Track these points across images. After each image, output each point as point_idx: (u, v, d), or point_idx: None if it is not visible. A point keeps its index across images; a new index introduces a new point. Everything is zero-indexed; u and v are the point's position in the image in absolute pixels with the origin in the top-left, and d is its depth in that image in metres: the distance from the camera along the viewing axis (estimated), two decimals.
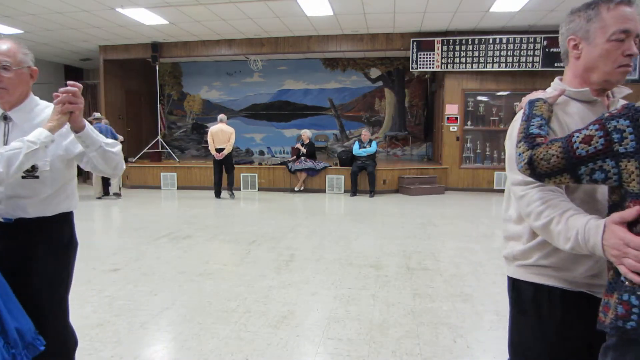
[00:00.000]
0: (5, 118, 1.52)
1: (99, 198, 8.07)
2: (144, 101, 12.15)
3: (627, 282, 0.95)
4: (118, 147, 1.62)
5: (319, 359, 2.35)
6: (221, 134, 8.00)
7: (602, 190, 1.15)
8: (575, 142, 0.99)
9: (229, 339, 2.54)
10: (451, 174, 9.16)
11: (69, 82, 1.42)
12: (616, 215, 0.97)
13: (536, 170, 1.05)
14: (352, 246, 4.68)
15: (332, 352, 2.40)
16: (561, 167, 1.01)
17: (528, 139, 1.08)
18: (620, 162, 0.94)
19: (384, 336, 2.59)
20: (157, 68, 10.42)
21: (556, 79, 1.32)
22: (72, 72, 11.99)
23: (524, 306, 1.27)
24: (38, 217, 1.58)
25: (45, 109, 1.60)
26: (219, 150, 7.91)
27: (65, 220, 1.74)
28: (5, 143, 1.47)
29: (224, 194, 8.26)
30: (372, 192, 8.37)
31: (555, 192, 1.13)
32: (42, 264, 1.62)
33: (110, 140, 1.59)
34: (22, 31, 8.37)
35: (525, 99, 1.25)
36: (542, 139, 1.07)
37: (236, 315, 2.88)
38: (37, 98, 1.62)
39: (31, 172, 1.51)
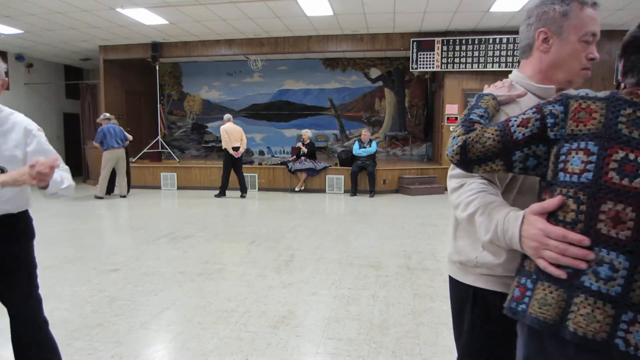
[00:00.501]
0: None
1: (100, 198, 8.07)
2: (144, 101, 12.15)
3: (526, 267, 0.94)
4: (68, 185, 1.73)
5: (319, 359, 2.35)
6: (235, 133, 8.06)
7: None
8: (513, 125, 0.96)
9: (229, 339, 2.54)
10: None
11: (41, 162, 1.46)
12: (536, 206, 0.93)
13: (467, 155, 0.99)
14: (352, 246, 4.68)
15: (332, 352, 2.40)
16: (496, 151, 0.97)
17: (466, 123, 1.04)
18: (551, 148, 0.93)
19: (384, 336, 2.59)
20: (157, 68, 10.43)
21: (516, 72, 1.25)
22: (72, 72, 12.00)
23: (488, 314, 1.19)
24: (4, 215, 1.69)
25: (10, 115, 1.68)
26: (235, 149, 7.96)
27: (27, 216, 1.84)
28: None
29: (231, 193, 8.27)
30: (372, 192, 8.37)
31: (490, 186, 1.09)
32: (17, 255, 1.77)
33: (66, 184, 1.71)
34: (22, 31, 8.37)
35: (486, 88, 1.21)
36: (480, 126, 1.03)
37: (236, 315, 2.88)
38: (0, 105, 1.71)
39: None
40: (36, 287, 1.88)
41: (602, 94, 0.91)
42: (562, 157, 0.90)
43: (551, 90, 1.17)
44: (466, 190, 1.09)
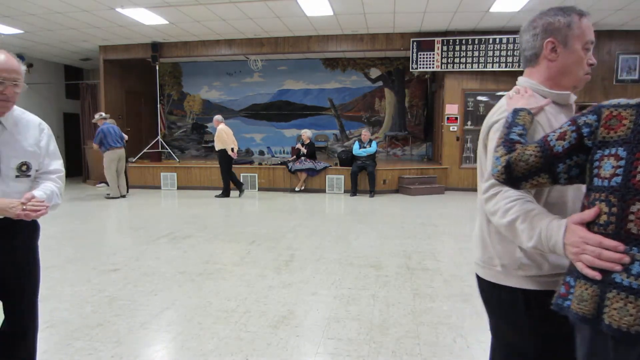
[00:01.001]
0: None
1: (115, 197, 8.08)
2: (144, 101, 12.15)
3: (571, 266, 1.02)
4: (52, 206, 1.75)
5: (319, 359, 2.35)
6: (231, 133, 8.14)
7: (571, 196, 1.19)
8: (552, 139, 1.02)
9: (229, 339, 2.54)
10: (451, 174, 9.16)
11: (35, 201, 1.59)
12: (576, 216, 1.01)
13: (513, 174, 1.05)
14: (352, 246, 4.68)
15: (332, 352, 2.40)
16: (539, 166, 1.02)
17: (507, 143, 1.09)
18: (589, 156, 0.99)
19: (384, 336, 2.59)
20: (157, 68, 10.43)
21: (525, 80, 1.31)
22: (72, 72, 12.00)
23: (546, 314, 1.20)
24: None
25: (22, 114, 1.78)
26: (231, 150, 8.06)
27: None
28: None
29: (229, 193, 8.28)
30: (372, 192, 8.37)
31: (525, 193, 1.14)
32: (26, 251, 1.82)
33: (53, 201, 1.75)
34: (22, 31, 8.37)
35: (511, 103, 1.23)
36: (520, 145, 1.08)
37: (236, 315, 2.88)
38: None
39: (25, 172, 1.71)
40: (38, 289, 1.89)
41: (634, 101, 0.96)
42: (596, 164, 0.97)
43: (566, 96, 1.26)
44: (503, 198, 1.14)
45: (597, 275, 0.94)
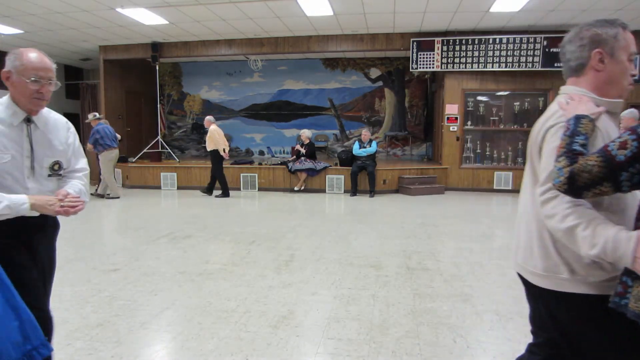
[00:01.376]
0: (29, 120, 1.72)
1: (116, 197, 8.10)
2: (144, 101, 12.15)
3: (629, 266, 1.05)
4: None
5: (319, 359, 2.35)
6: (222, 134, 8.14)
7: (632, 205, 1.20)
8: (613, 149, 1.05)
9: (229, 339, 2.54)
10: (451, 174, 9.16)
11: (70, 197, 1.67)
12: None
13: (575, 185, 1.07)
14: (352, 246, 4.68)
15: (332, 352, 2.40)
16: (602, 175, 1.04)
17: (569, 154, 1.11)
18: None
19: (384, 336, 2.59)
20: (157, 68, 10.43)
21: (574, 88, 1.32)
22: (72, 72, 12.00)
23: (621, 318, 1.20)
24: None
25: (49, 114, 1.82)
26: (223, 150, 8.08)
27: None
28: (31, 143, 1.69)
29: (228, 192, 8.29)
30: (372, 192, 8.37)
31: (584, 201, 1.15)
32: (50, 247, 1.87)
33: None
34: (22, 31, 8.37)
35: (571, 109, 1.23)
36: (581, 156, 1.10)
37: (236, 315, 2.88)
38: None
39: (57, 171, 1.77)
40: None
41: None
42: None
43: (619, 104, 1.31)
44: (562, 202, 1.15)
45: None
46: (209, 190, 8.38)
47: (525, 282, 1.41)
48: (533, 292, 1.38)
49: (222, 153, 8.00)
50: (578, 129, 1.15)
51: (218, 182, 8.31)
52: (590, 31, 1.29)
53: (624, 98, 1.31)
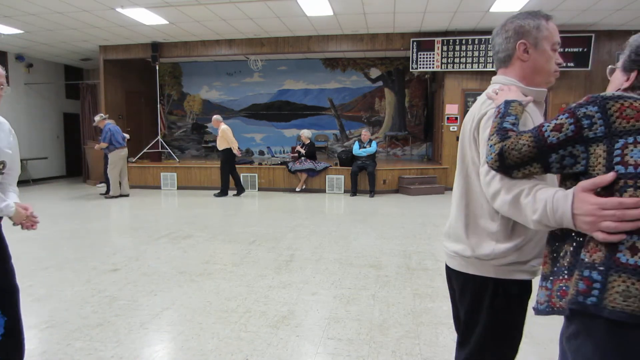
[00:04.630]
0: None
1: (114, 197, 8.09)
2: (144, 101, 12.15)
3: (585, 259, 0.97)
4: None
5: (319, 359, 2.35)
6: (231, 133, 8.16)
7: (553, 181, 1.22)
8: (546, 130, 1.03)
9: (229, 339, 2.54)
10: (451, 174, 9.15)
11: (33, 217, 1.88)
12: (586, 183, 0.97)
13: (506, 162, 1.07)
14: (352, 246, 4.68)
15: (332, 352, 2.40)
16: (532, 155, 1.04)
17: (500, 131, 1.12)
18: (589, 146, 0.99)
19: (384, 336, 2.59)
20: (157, 68, 10.43)
21: (504, 78, 1.39)
22: (72, 72, 12.00)
23: (508, 303, 1.33)
24: None
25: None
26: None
27: None
28: None
29: (227, 192, 8.29)
30: (372, 192, 8.37)
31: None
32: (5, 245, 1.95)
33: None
34: (22, 31, 8.37)
35: (501, 96, 1.27)
36: (514, 133, 1.10)
37: (236, 315, 2.88)
38: None
39: (1, 170, 1.85)
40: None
41: (635, 94, 1.02)
42: (618, 152, 0.96)
43: (543, 93, 1.37)
44: (504, 177, 1.16)
45: (622, 237, 0.90)
46: (238, 191, 8.36)
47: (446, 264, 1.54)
48: (447, 272, 1.51)
49: (235, 151, 8.03)
50: (509, 111, 1.18)
51: (233, 180, 8.33)
52: (514, 24, 1.34)
53: (550, 84, 1.38)
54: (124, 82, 11.16)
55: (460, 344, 1.47)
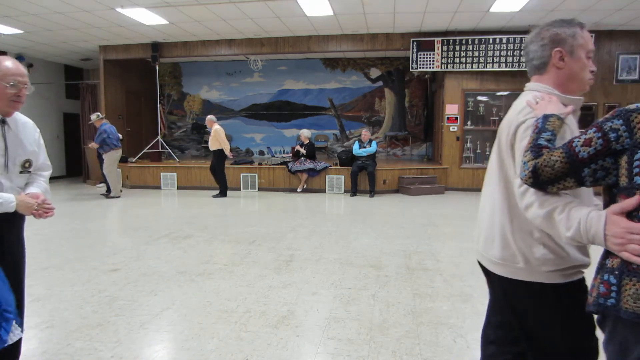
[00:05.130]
0: (3, 122, 1.84)
1: (117, 197, 8.11)
2: (144, 101, 12.15)
3: (607, 264, 1.05)
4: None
5: (319, 359, 2.35)
6: (224, 134, 8.12)
7: (588, 195, 1.27)
8: (577, 146, 1.07)
9: (229, 339, 2.54)
10: (451, 174, 9.16)
11: (47, 204, 1.87)
12: (616, 207, 1.03)
13: (540, 178, 1.11)
14: (352, 246, 4.68)
15: (332, 352, 2.40)
16: (565, 171, 1.08)
17: (535, 149, 1.15)
18: (618, 158, 1.05)
19: (384, 336, 2.59)
20: (157, 68, 10.43)
21: (539, 85, 1.39)
22: (72, 72, 12.00)
23: (567, 307, 1.32)
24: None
25: (17, 116, 1.93)
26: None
27: None
28: (6, 144, 1.83)
29: (231, 193, 8.29)
30: (372, 192, 8.37)
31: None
32: (20, 240, 2.00)
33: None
34: (22, 31, 8.37)
35: (540, 108, 1.27)
36: (547, 150, 1.13)
37: (236, 315, 2.88)
38: None
39: (27, 169, 1.91)
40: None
41: None
42: (637, 163, 1.01)
43: (580, 101, 1.38)
44: (538, 190, 1.18)
45: None
46: (222, 193, 8.35)
47: (485, 270, 1.51)
48: (492, 279, 1.49)
49: (227, 152, 8.01)
50: (545, 126, 1.20)
51: (217, 182, 8.31)
52: (550, 31, 1.36)
53: (585, 91, 1.39)
54: (124, 82, 11.15)
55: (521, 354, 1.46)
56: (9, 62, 1.82)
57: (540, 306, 1.34)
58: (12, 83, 1.79)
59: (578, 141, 1.08)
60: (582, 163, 1.06)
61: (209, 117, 8.34)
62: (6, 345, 1.62)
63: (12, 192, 1.83)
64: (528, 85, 1.43)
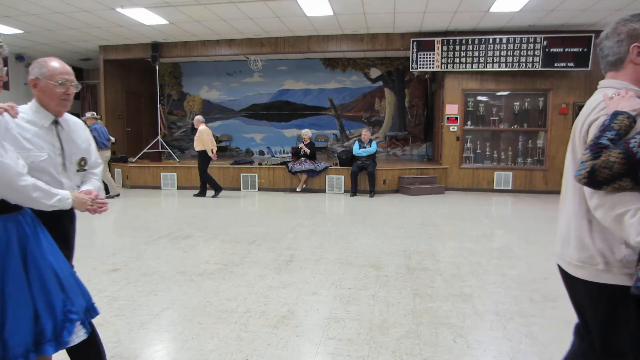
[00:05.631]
0: (56, 122, 1.88)
1: (114, 196, 8.17)
2: (144, 101, 12.15)
3: None
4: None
5: (319, 359, 2.35)
6: (210, 134, 8.16)
7: None
8: (634, 146, 1.08)
9: (229, 339, 2.54)
10: (451, 174, 9.15)
11: (100, 199, 1.88)
12: None
13: (595, 179, 1.12)
14: (352, 246, 4.68)
15: (332, 352, 2.40)
16: (622, 172, 1.09)
17: (594, 148, 1.15)
18: None
19: (384, 336, 2.59)
20: (157, 68, 10.43)
21: (615, 82, 1.35)
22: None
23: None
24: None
25: (67, 116, 1.98)
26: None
27: None
28: (62, 144, 1.87)
29: (223, 194, 8.29)
30: (372, 192, 8.37)
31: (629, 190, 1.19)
32: (72, 237, 2.18)
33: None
34: (22, 31, 8.37)
35: (612, 105, 1.25)
36: (606, 150, 1.13)
37: (236, 315, 2.88)
38: None
39: (83, 167, 1.97)
40: None
41: None
42: None
43: None
44: (611, 192, 1.18)
45: None
46: (200, 192, 8.35)
47: (562, 271, 1.47)
48: (569, 281, 1.45)
49: (210, 154, 8.00)
50: (611, 125, 1.18)
51: (200, 182, 8.33)
52: (627, 27, 1.34)
53: None
54: (124, 82, 11.15)
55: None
56: (55, 62, 1.87)
57: (619, 308, 1.30)
58: (60, 82, 1.84)
59: (635, 141, 1.08)
60: (639, 163, 1.07)
61: (197, 117, 8.37)
62: (69, 346, 1.64)
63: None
64: (602, 82, 1.40)
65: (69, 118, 1.97)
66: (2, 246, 1.54)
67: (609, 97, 1.28)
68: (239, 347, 2.44)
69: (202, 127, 8.05)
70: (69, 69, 1.89)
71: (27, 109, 1.84)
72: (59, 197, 1.69)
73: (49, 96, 1.83)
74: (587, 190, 1.22)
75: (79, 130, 1.99)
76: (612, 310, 1.31)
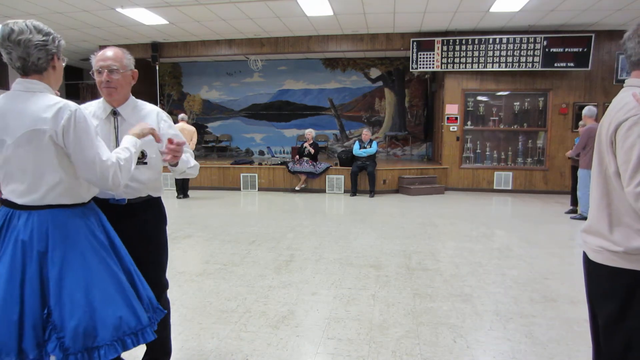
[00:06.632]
0: (115, 113, 1.82)
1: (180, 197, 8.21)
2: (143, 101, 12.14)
3: None
4: (194, 165, 2.02)
5: (319, 359, 2.35)
6: (186, 133, 8.05)
7: None
8: None
9: (229, 339, 2.54)
10: (451, 174, 9.16)
11: (177, 141, 1.75)
12: None
13: None
14: (352, 246, 4.68)
15: (332, 352, 2.40)
16: None
17: None
18: None
19: (384, 336, 2.59)
20: (157, 68, 10.43)
21: (638, 80, 1.37)
22: (72, 72, 12.00)
23: None
24: (148, 197, 1.98)
25: (143, 106, 1.92)
26: None
27: (160, 201, 2.16)
28: (117, 135, 1.81)
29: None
30: (372, 192, 8.37)
31: None
32: (154, 235, 2.13)
33: (192, 163, 2.00)
34: None
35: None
36: None
37: (236, 315, 2.88)
38: (133, 97, 1.91)
39: (141, 159, 1.84)
40: (165, 270, 2.14)
41: None
42: None
43: None
44: None
45: None
46: (178, 193, 8.33)
47: (584, 260, 1.52)
48: (589, 267, 1.50)
49: None
50: None
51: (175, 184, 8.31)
52: None
53: None
54: None
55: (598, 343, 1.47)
56: (100, 51, 1.79)
57: (630, 292, 1.34)
58: (98, 70, 1.76)
59: None
60: None
61: (180, 115, 8.37)
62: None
63: (130, 187, 1.83)
64: (628, 80, 1.43)
65: (142, 108, 1.90)
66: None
67: (639, 96, 1.30)
68: (239, 347, 2.44)
69: (178, 124, 7.93)
70: (108, 54, 1.76)
71: (96, 103, 1.85)
72: (134, 151, 1.61)
73: (98, 87, 1.79)
74: (633, 192, 1.24)
75: (146, 119, 1.86)
76: (630, 291, 1.35)
